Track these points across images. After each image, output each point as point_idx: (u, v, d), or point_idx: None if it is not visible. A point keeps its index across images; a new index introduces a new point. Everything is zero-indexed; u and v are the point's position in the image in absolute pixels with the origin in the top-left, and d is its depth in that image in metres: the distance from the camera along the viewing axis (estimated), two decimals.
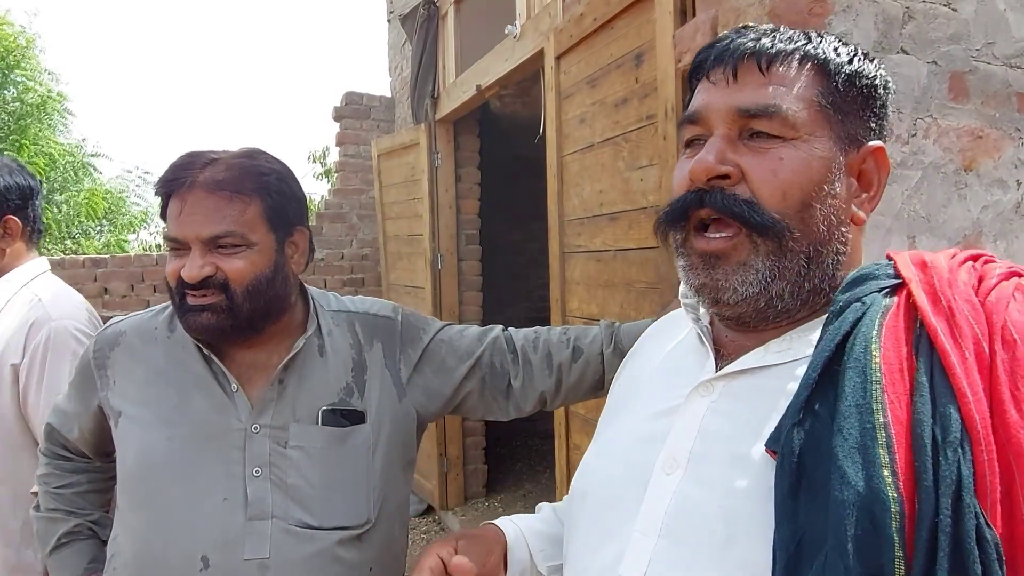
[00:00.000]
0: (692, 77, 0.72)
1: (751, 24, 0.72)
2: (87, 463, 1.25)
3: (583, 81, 2.29)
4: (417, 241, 4.03)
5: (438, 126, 3.86)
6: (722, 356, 0.71)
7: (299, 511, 1.03)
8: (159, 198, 1.08)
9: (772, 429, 0.59)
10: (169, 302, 1.16)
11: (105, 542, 1.24)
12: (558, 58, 2.44)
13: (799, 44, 0.67)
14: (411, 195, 4.08)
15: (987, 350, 0.53)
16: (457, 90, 3.57)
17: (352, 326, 1.16)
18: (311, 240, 1.16)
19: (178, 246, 1.03)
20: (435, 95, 3.83)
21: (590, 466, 0.78)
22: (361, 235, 4.90)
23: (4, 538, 1.43)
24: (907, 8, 1.17)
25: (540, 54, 2.62)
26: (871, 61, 0.70)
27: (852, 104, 0.67)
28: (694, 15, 1.57)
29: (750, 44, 0.66)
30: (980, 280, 0.59)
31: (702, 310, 0.75)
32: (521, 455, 4.53)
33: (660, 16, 1.82)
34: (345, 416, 1.09)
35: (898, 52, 1.17)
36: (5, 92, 7.83)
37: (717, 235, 0.65)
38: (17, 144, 7.70)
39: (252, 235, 1.03)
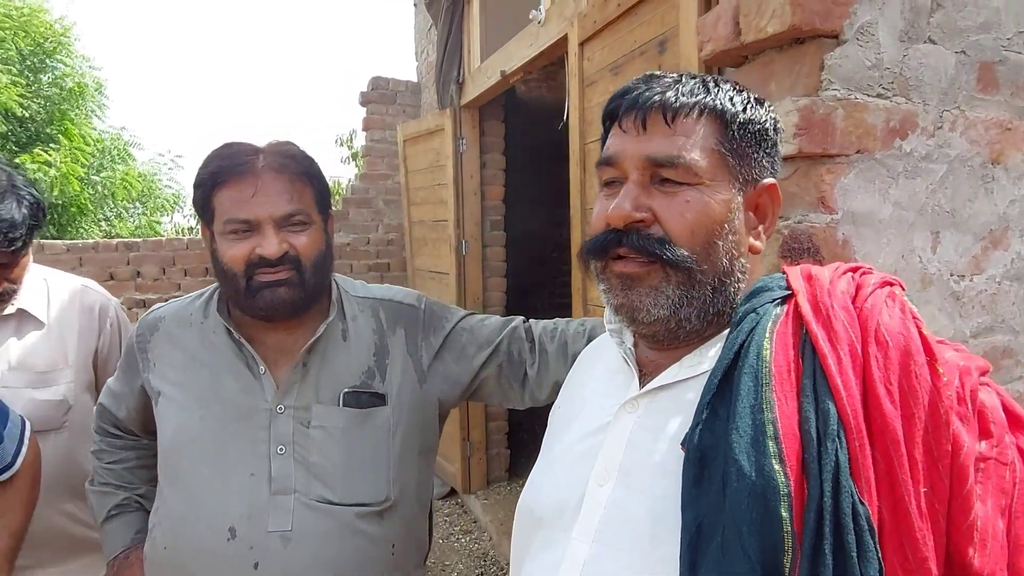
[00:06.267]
0: (605, 120, 0.78)
1: (658, 73, 0.77)
2: (136, 440, 1.32)
3: (606, 68, 2.27)
4: (442, 227, 4.04)
5: (463, 111, 3.86)
6: (645, 375, 0.78)
7: (320, 487, 1.08)
8: (201, 188, 1.10)
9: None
10: (206, 289, 1.22)
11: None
12: (582, 44, 2.42)
13: (699, 97, 0.73)
14: (436, 181, 4.09)
15: (860, 351, 0.61)
16: (482, 75, 3.56)
17: (376, 312, 1.20)
18: None
19: (246, 227, 1.06)
20: (460, 80, 3.82)
21: (535, 483, 0.84)
22: (387, 220, 4.93)
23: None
24: None
25: (564, 40, 2.59)
26: (762, 106, 0.76)
27: (747, 148, 0.74)
28: (717, 2, 1.54)
29: (656, 97, 0.72)
30: (858, 289, 0.66)
31: (626, 334, 0.82)
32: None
33: (684, 2, 1.79)
34: (366, 398, 1.13)
35: (925, 42, 1.14)
36: (42, 77, 8.00)
37: (633, 260, 0.72)
38: (61, 128, 7.89)
39: (312, 214, 1.11)
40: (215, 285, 1.19)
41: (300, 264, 1.08)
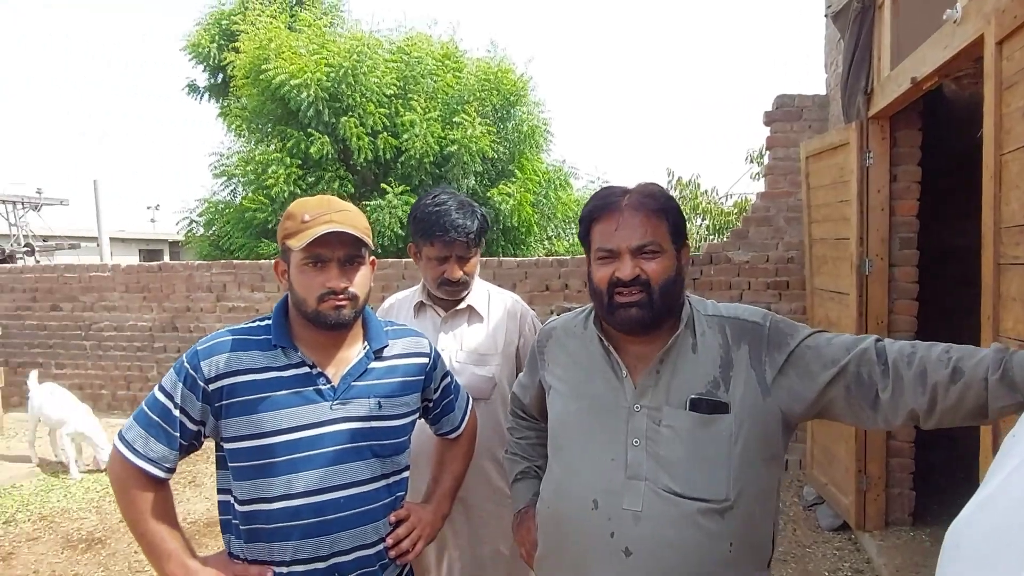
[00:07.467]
0: None
1: None
2: (535, 423, 1.63)
3: None
4: (843, 245, 3.86)
5: (870, 123, 3.63)
6: None
7: (666, 478, 1.22)
8: (583, 223, 1.34)
9: None
10: (587, 306, 1.46)
11: None
12: (999, 43, 2.16)
13: None
14: (839, 197, 3.92)
15: None
16: (891, 84, 3.32)
17: (723, 329, 1.31)
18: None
19: (609, 256, 1.28)
20: (868, 91, 3.61)
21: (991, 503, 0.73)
22: (787, 238, 4.87)
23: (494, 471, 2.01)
24: None
25: (980, 40, 2.32)
26: None
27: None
28: None
29: None
30: None
31: None
32: (964, 488, 3.91)
33: None
34: (711, 405, 1.24)
35: None
36: (507, 125, 9.92)
37: None
38: (518, 165, 9.72)
39: (664, 244, 1.27)
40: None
41: (650, 286, 1.25)
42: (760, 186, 8.55)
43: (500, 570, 2.00)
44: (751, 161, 8.73)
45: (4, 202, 17.26)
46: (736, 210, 8.78)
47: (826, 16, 4.68)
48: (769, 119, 4.92)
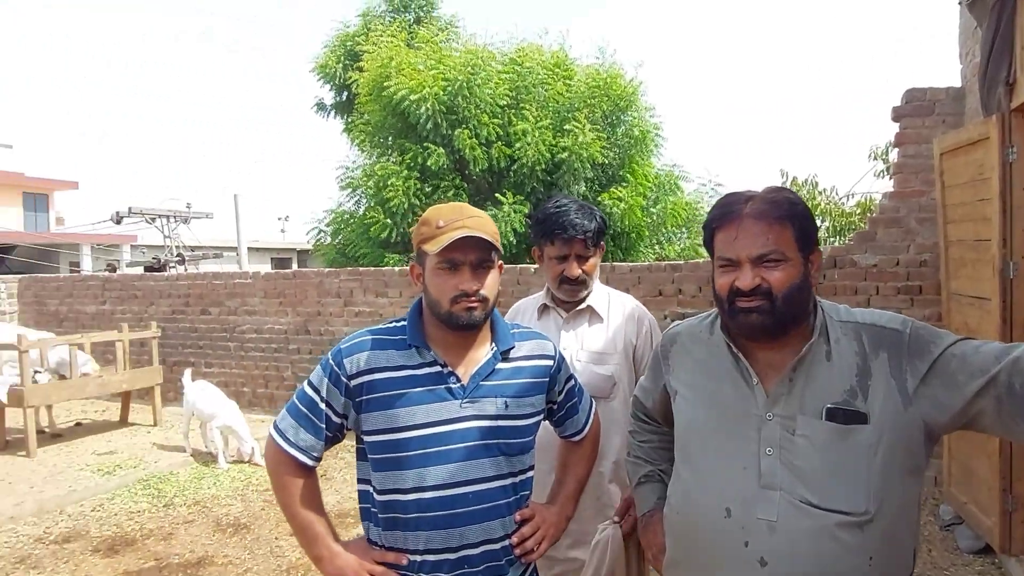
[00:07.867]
0: None
1: None
2: (658, 427, 1.62)
3: None
4: (984, 247, 3.60)
5: (1013, 116, 3.37)
6: None
7: (802, 489, 1.19)
8: (707, 229, 1.34)
9: None
10: (712, 311, 1.46)
11: None
12: None
13: None
14: (978, 196, 3.66)
15: None
16: None
17: (859, 336, 1.26)
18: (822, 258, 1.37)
19: (730, 264, 1.27)
20: (1010, 81, 3.36)
21: None
22: (920, 240, 4.59)
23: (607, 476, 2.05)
24: None
25: None
26: None
27: None
28: None
29: None
30: None
31: None
32: None
33: None
34: (848, 415, 1.20)
35: None
36: (617, 130, 9.91)
37: None
38: (629, 170, 9.69)
39: (788, 252, 1.24)
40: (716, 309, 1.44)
41: (771, 295, 1.22)
42: (886, 185, 8.06)
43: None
44: (875, 158, 8.21)
45: (159, 216, 19.14)
46: (859, 211, 8.28)
47: (960, 4, 4.39)
48: (898, 114, 4.66)
